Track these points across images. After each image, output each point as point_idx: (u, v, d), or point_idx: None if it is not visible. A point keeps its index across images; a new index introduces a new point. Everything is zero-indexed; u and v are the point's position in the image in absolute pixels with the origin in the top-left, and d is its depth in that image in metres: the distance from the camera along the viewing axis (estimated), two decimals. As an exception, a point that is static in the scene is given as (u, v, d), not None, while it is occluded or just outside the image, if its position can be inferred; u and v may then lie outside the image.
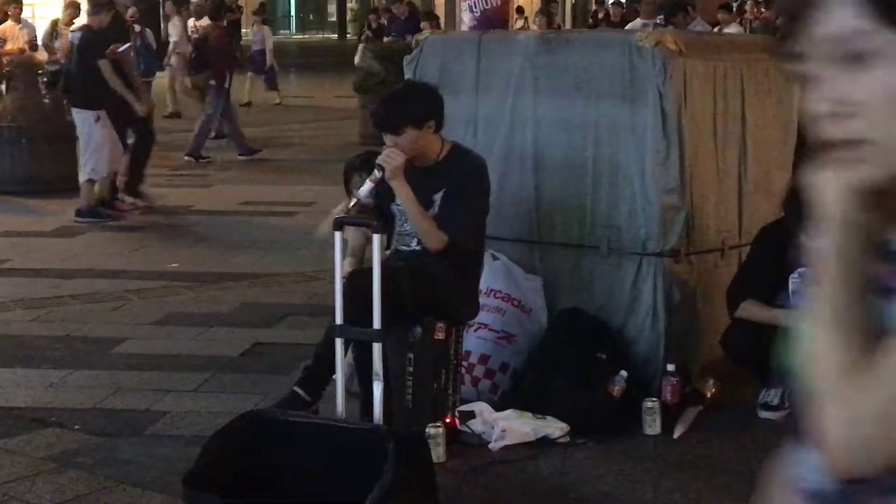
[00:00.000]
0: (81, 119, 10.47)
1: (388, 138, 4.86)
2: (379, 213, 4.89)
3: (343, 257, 4.62)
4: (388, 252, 5.06)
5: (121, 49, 10.78)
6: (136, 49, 15.77)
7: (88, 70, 10.36)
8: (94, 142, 10.35)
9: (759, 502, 1.50)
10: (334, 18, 50.26)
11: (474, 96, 5.84)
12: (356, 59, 19.66)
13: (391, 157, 4.77)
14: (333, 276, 4.57)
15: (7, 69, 14.43)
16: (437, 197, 4.89)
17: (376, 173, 4.75)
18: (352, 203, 4.76)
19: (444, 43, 6.22)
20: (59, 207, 11.15)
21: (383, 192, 4.85)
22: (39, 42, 16.70)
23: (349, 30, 48.28)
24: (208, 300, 7.59)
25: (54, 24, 16.70)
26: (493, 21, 12.99)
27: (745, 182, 5.79)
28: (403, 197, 4.82)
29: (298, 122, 17.98)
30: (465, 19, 13.69)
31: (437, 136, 4.96)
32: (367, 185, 4.75)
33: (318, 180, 12.86)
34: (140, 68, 15.88)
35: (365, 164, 5.20)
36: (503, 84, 5.79)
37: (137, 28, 16.03)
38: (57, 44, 16.26)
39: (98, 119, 10.32)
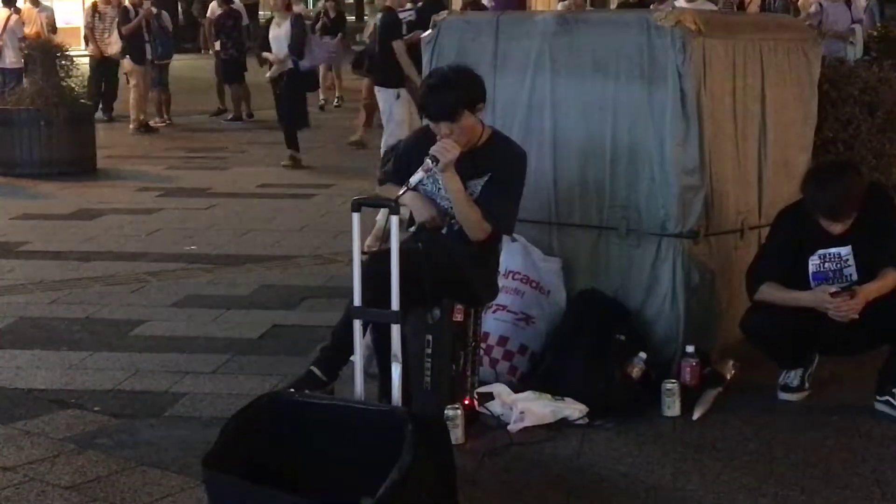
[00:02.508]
0: (383, 97, 10.82)
1: (442, 126, 4.80)
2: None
3: (361, 239, 4.60)
4: (410, 230, 5.05)
5: (423, 35, 10.94)
6: (150, 31, 15.83)
7: (388, 50, 10.74)
8: (394, 119, 10.63)
9: None
10: (351, 1, 50.21)
11: (492, 77, 5.80)
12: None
13: (447, 149, 4.72)
14: (351, 258, 4.56)
15: (26, 52, 14.49)
16: (474, 183, 4.85)
17: (429, 163, 4.71)
18: (401, 191, 4.71)
19: (461, 24, 6.19)
20: (77, 190, 11.20)
21: (411, 171, 4.80)
22: (82, 26, 16.75)
23: (366, 11, 48.11)
24: (226, 282, 7.60)
25: (94, 6, 16.72)
26: (511, 2, 12.97)
27: (764, 162, 5.76)
28: (454, 190, 4.78)
29: (317, 104, 17.95)
30: (484, 1, 13.67)
31: (479, 120, 4.93)
32: (419, 174, 4.72)
33: (337, 162, 12.90)
34: (157, 51, 15.95)
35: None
36: (521, 65, 5.77)
37: (154, 10, 16.05)
38: (101, 26, 16.32)
39: (398, 97, 10.62)
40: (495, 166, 4.88)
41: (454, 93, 4.81)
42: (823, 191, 5.02)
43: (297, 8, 17.57)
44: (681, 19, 5.31)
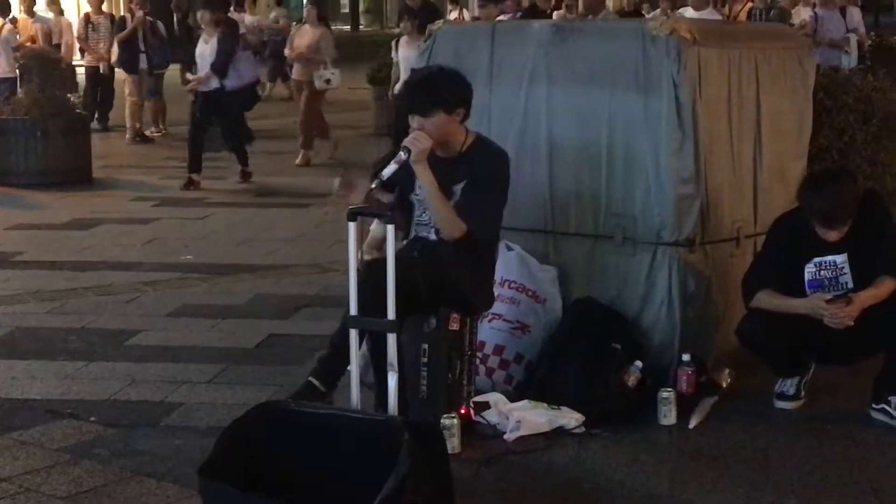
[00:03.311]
0: None
1: (415, 120, 4.82)
2: (397, 203, 4.86)
3: (357, 248, 4.60)
4: (405, 241, 5.05)
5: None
6: (146, 41, 15.82)
7: None
8: None
9: None
10: (347, 10, 50.21)
11: (488, 86, 5.81)
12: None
13: (418, 140, 4.73)
14: (347, 268, 4.56)
15: (22, 61, 14.48)
16: (458, 188, 4.86)
17: (402, 155, 4.71)
18: (373, 184, 4.72)
19: (457, 33, 6.20)
20: (73, 200, 11.19)
21: (403, 181, 4.81)
22: (74, 35, 16.71)
23: (362, 21, 48.13)
24: (223, 292, 7.60)
25: (87, 17, 16.71)
26: (506, 11, 12.95)
27: (759, 171, 5.77)
28: (426, 182, 4.78)
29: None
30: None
31: (462, 127, 4.94)
32: (392, 167, 4.72)
33: (332, 172, 12.87)
34: (153, 61, 15.94)
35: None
36: (517, 74, 5.77)
37: (150, 19, 16.04)
38: (95, 36, 16.31)
39: None
40: (473, 169, 4.88)
41: (432, 90, 4.84)
42: (819, 197, 5.03)
43: (250, 19, 17.35)
44: (675, 28, 5.33)
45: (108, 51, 16.21)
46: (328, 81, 13.32)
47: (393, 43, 12.72)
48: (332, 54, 13.55)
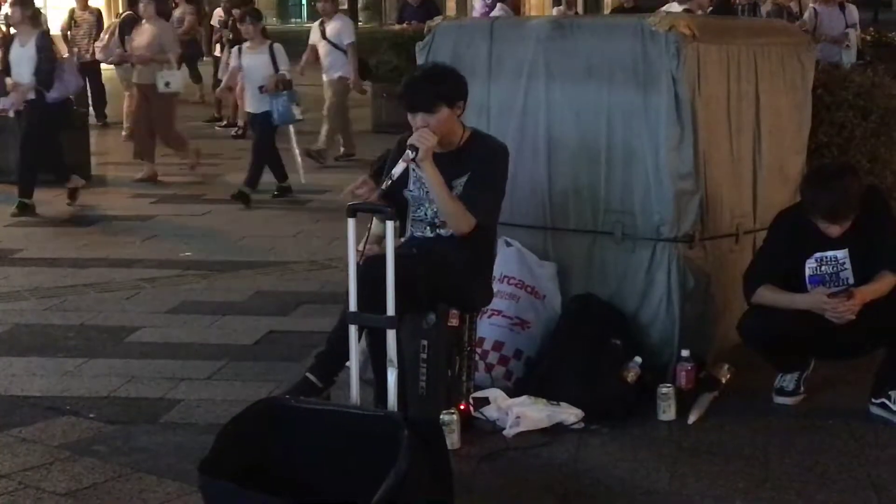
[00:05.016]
0: None
1: (418, 118, 4.81)
2: (392, 200, 4.87)
3: (356, 244, 4.60)
4: (402, 239, 5.05)
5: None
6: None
7: None
8: None
9: None
10: (345, 7, 50.22)
11: (487, 82, 5.82)
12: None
13: (425, 137, 4.73)
14: (346, 264, 4.56)
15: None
16: (458, 182, 4.86)
17: (409, 153, 4.72)
18: (385, 184, 4.73)
19: (456, 29, 6.20)
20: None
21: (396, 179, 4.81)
22: (58, 32, 16.65)
23: (361, 18, 48.11)
24: (222, 288, 7.60)
25: (71, 12, 16.67)
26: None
27: (759, 167, 5.77)
28: (433, 179, 4.78)
29: (310, 110, 17.93)
30: (477, 6, 13.69)
31: (459, 122, 4.94)
32: (401, 166, 4.72)
33: (331, 168, 12.89)
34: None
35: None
36: (516, 70, 5.77)
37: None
38: (78, 32, 16.28)
39: None
40: (473, 163, 4.88)
41: (435, 86, 4.85)
42: (824, 192, 5.02)
43: (181, 11, 16.85)
44: (675, 24, 5.32)
45: (92, 46, 16.06)
46: (168, 84, 12.04)
47: (235, 49, 11.59)
48: (175, 52, 12.43)
